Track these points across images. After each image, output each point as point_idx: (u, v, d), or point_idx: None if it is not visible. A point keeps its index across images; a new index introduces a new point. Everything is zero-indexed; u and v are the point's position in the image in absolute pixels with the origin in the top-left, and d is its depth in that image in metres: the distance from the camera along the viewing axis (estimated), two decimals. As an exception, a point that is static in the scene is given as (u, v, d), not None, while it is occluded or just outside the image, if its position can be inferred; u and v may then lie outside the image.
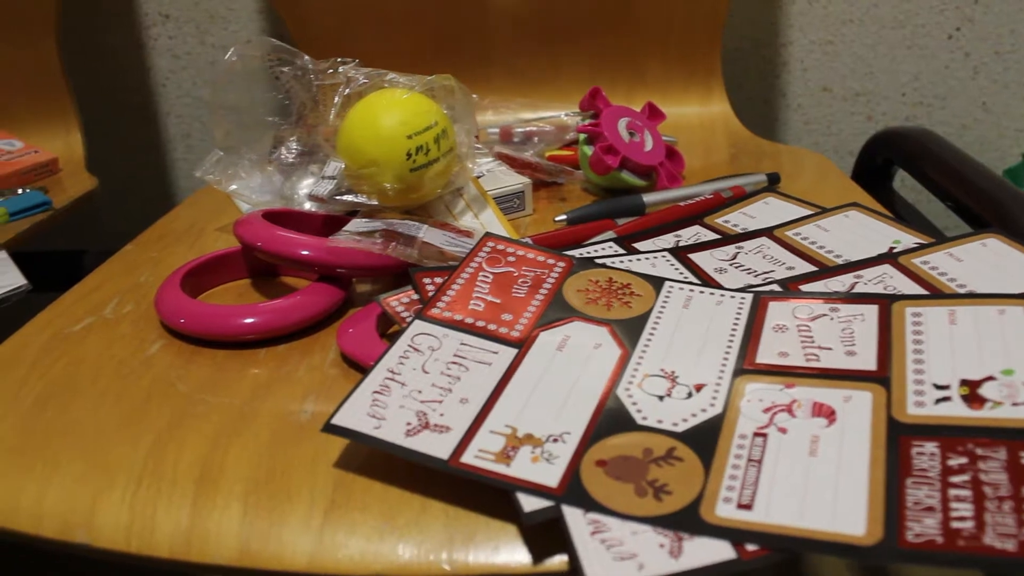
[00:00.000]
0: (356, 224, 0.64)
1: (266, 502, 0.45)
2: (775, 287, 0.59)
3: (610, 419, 0.46)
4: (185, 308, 0.59)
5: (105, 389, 0.54)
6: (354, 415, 0.46)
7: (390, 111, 0.66)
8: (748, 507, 0.40)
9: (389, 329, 0.58)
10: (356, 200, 0.68)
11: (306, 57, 0.72)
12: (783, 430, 0.45)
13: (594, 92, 0.83)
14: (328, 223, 0.70)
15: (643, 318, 0.55)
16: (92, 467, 0.48)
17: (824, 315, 0.55)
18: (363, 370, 0.54)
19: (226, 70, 0.72)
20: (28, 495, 0.47)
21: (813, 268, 0.62)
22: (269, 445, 0.48)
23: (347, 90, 0.69)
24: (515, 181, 0.76)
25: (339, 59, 0.71)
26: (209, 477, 0.46)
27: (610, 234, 0.69)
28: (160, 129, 1.30)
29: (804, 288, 0.59)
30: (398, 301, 0.56)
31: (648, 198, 0.76)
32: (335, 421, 0.46)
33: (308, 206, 0.73)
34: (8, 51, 1.10)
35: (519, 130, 0.91)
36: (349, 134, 0.67)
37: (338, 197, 0.68)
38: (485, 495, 0.43)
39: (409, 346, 0.51)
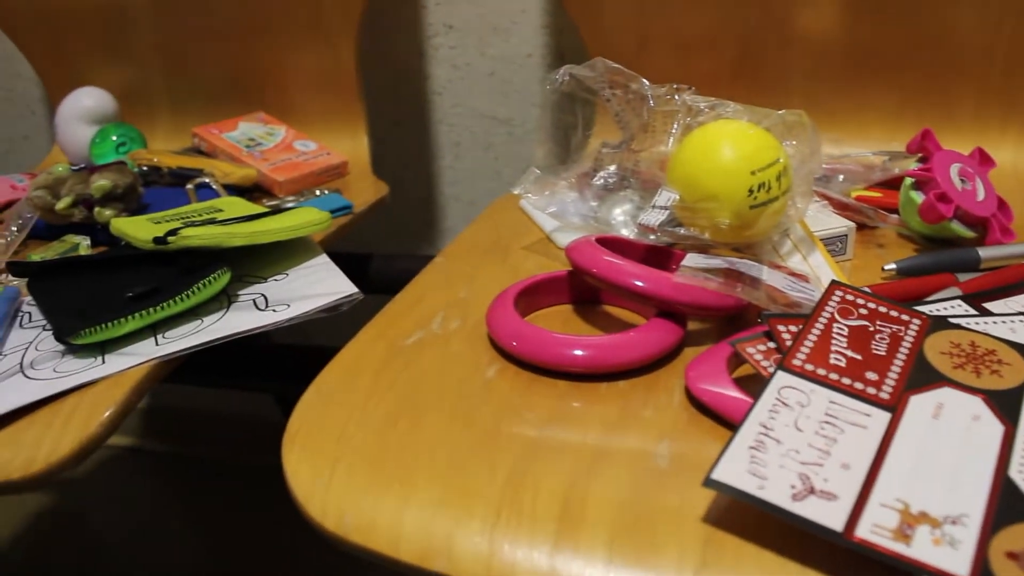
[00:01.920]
0: (695, 260, 0.61)
1: (632, 552, 0.43)
2: None
3: (1009, 505, 0.43)
4: (519, 331, 0.59)
5: (452, 411, 0.53)
6: (734, 471, 0.44)
7: (734, 144, 0.63)
8: None
9: (734, 371, 0.56)
10: (687, 234, 0.65)
11: (644, 81, 0.70)
12: None
13: (924, 134, 0.78)
14: (650, 253, 0.68)
15: (1018, 391, 0.51)
16: (449, 493, 0.47)
17: None
18: (714, 415, 0.52)
19: (556, 88, 0.71)
20: (386, 515, 0.47)
21: None
22: (630, 489, 0.46)
23: (688, 119, 0.67)
24: (838, 223, 0.73)
25: (675, 85, 0.69)
26: (570, 517, 0.45)
27: (955, 291, 0.64)
28: (431, 136, 1.31)
29: None
30: (755, 348, 0.54)
31: (984, 252, 0.71)
32: (716, 477, 0.43)
33: (625, 232, 0.72)
34: (311, 57, 1.13)
35: (822, 166, 0.87)
36: (687, 165, 0.65)
37: (668, 228, 0.66)
38: (868, 571, 0.40)
39: (777, 399, 0.49)
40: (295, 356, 1.26)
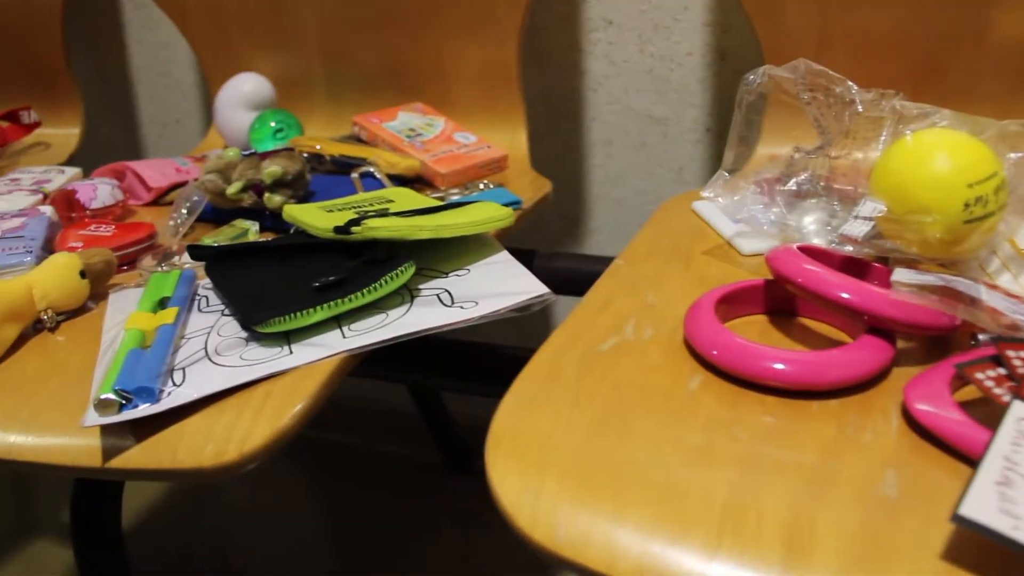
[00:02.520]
0: (907, 275, 0.58)
1: (867, 587, 0.40)
2: None
3: None
4: (720, 340, 0.56)
5: (660, 424, 0.51)
6: (983, 508, 0.41)
7: (951, 154, 0.60)
8: None
9: (955, 390, 0.52)
10: (892, 247, 0.62)
11: (851, 85, 0.67)
12: None
13: None
14: (847, 265, 0.65)
15: None
16: (665, 513, 0.45)
17: None
18: (938, 442, 0.49)
19: (752, 89, 0.69)
20: (599, 531, 0.45)
21: None
22: (859, 519, 0.44)
23: (898, 126, 0.63)
24: (1045, 241, 0.68)
25: (882, 91, 0.65)
26: (797, 545, 0.42)
27: None
28: (583, 133, 1.29)
29: None
30: (984, 374, 0.50)
31: None
32: (965, 513, 0.40)
33: (817, 241, 0.68)
34: (474, 48, 1.12)
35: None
36: (897, 175, 0.61)
37: (872, 240, 0.63)
38: None
39: (1018, 432, 0.46)
40: (432, 348, 1.25)
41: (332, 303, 0.63)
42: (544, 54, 1.27)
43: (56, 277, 0.75)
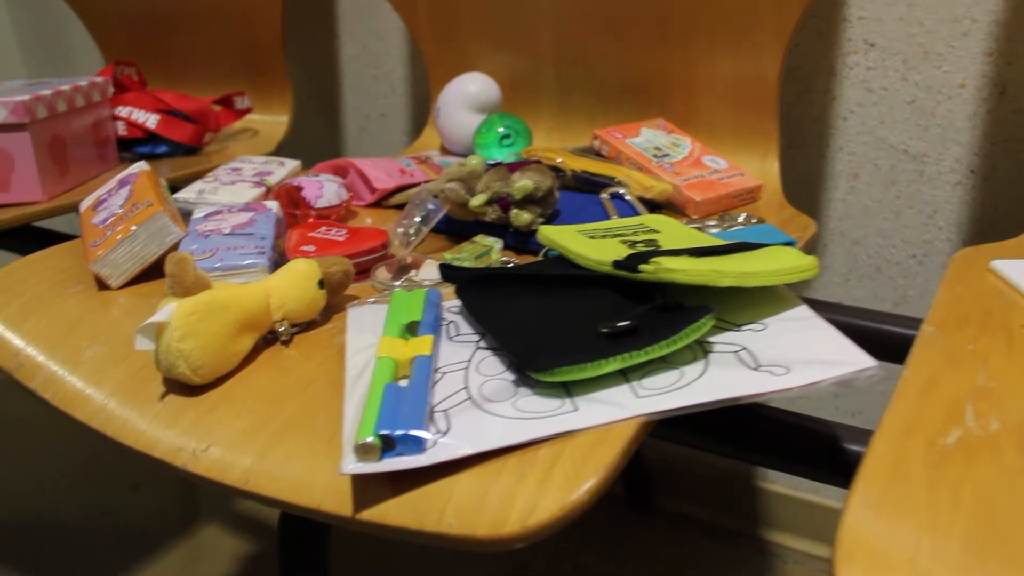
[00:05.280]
0: None
1: None
2: None
3: None
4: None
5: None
6: None
7: None
8: None
9: None
10: None
11: None
12: None
13: None
14: None
15: None
16: None
17: None
18: None
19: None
20: None
21: None
22: None
23: None
24: None
25: None
26: None
27: None
28: (827, 163, 1.18)
29: None
30: None
31: None
32: None
33: None
34: (730, 65, 1.03)
35: None
36: None
37: None
38: None
39: None
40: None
41: (627, 355, 0.54)
42: (792, 74, 1.17)
43: (294, 286, 0.69)
